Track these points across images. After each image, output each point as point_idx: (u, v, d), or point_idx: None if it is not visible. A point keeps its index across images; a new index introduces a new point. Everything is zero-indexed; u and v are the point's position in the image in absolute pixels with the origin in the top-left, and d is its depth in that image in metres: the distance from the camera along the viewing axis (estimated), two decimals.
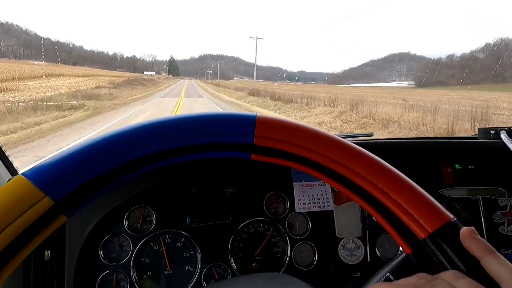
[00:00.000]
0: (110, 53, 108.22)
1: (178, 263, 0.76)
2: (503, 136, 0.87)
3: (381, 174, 0.29)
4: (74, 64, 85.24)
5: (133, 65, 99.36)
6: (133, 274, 0.73)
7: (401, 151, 0.87)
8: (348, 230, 0.81)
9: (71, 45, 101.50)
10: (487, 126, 0.96)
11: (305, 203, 0.80)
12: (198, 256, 0.76)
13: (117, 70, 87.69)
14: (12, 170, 0.81)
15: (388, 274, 0.36)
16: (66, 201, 0.25)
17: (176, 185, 0.78)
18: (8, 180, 0.67)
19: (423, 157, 0.88)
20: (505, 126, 0.93)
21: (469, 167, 0.87)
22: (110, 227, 0.73)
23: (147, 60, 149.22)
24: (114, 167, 0.27)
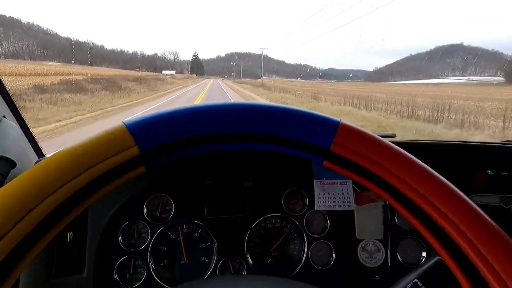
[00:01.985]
0: (132, 51, 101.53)
1: (195, 253, 0.76)
2: None
3: (465, 214, 0.26)
4: (91, 64, 79.13)
5: (153, 64, 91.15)
6: (150, 261, 0.74)
7: (429, 154, 0.80)
8: (369, 231, 0.78)
9: (91, 45, 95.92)
10: None
11: (325, 202, 0.77)
12: (215, 248, 0.76)
13: (136, 70, 79.73)
14: (39, 152, 0.83)
15: (416, 280, 0.34)
16: (149, 154, 0.28)
17: (196, 176, 0.78)
18: (36, 162, 0.74)
19: (453, 161, 0.84)
20: None
21: (503, 173, 0.82)
22: (130, 214, 0.74)
23: (168, 58, 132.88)
24: (196, 135, 0.28)
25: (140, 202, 0.75)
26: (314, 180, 0.77)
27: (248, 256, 0.77)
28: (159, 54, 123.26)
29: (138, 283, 0.73)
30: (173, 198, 0.76)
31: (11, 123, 0.70)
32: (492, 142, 0.94)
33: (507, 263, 0.23)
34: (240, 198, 0.79)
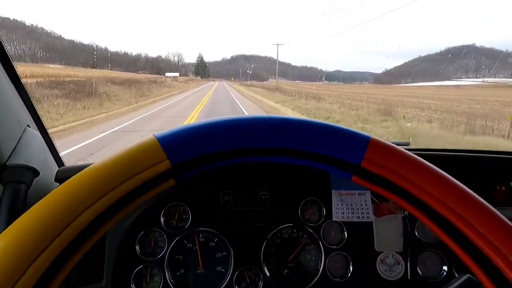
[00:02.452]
0: (136, 54, 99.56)
1: (211, 263, 0.75)
2: None
3: (496, 228, 0.26)
4: (93, 66, 77.16)
5: (157, 66, 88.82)
6: (167, 270, 0.73)
7: (447, 164, 0.78)
8: (388, 244, 0.77)
9: (95, 47, 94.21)
10: None
11: (343, 212, 0.76)
12: (231, 258, 0.76)
13: (139, 72, 77.44)
14: (59, 161, 0.83)
15: None
16: (180, 167, 0.28)
17: (213, 185, 0.78)
18: (57, 171, 0.74)
19: (474, 172, 0.82)
20: None
21: None
22: (147, 223, 0.74)
23: (172, 60, 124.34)
24: (228, 149, 0.28)
25: (157, 211, 0.75)
26: (332, 191, 0.76)
27: (265, 266, 0.76)
28: (163, 56, 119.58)
29: None
30: (190, 207, 0.76)
31: (35, 132, 0.71)
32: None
33: None
34: (257, 208, 0.78)
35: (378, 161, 0.29)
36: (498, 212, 0.26)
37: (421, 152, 0.88)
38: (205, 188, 0.77)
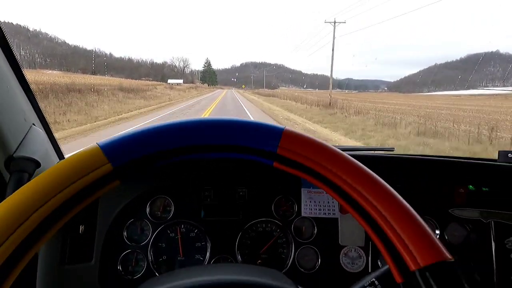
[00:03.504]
0: (141, 60, 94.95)
1: (190, 251, 0.82)
2: None
3: (385, 200, 0.31)
4: (94, 73, 72.85)
5: (161, 72, 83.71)
6: (151, 256, 0.80)
7: (417, 168, 0.90)
8: (351, 239, 0.82)
9: (99, 53, 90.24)
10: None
11: (311, 209, 0.83)
12: (208, 247, 0.82)
13: (142, 79, 72.38)
14: (60, 155, 0.92)
15: (374, 279, 0.38)
16: (122, 169, 0.32)
17: (195, 181, 0.85)
18: (57, 163, 0.84)
19: (438, 175, 0.89)
20: None
21: (484, 189, 0.86)
22: (134, 212, 0.81)
23: (178, 66, 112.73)
24: (161, 150, 0.33)
25: (144, 202, 0.82)
26: (302, 189, 0.84)
27: (239, 256, 0.82)
28: (169, 62, 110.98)
29: (139, 275, 0.81)
30: (174, 200, 0.83)
31: (39, 129, 0.80)
32: (480, 158, 1.00)
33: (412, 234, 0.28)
34: (234, 203, 0.85)
35: (290, 148, 0.34)
36: (384, 184, 0.32)
37: (399, 156, 0.99)
38: (189, 183, 0.84)
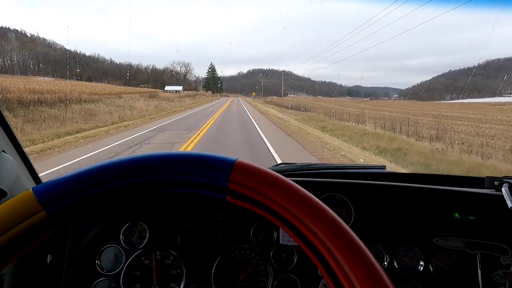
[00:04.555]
0: (141, 66, 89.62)
1: (165, 279, 0.79)
2: (504, 189, 0.82)
3: (333, 235, 0.30)
4: (89, 79, 68.06)
5: (161, 78, 78.25)
6: (123, 285, 0.77)
7: (403, 194, 0.87)
8: None
9: (99, 58, 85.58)
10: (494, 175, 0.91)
11: (289, 237, 0.78)
12: (183, 276, 0.79)
13: (140, 86, 66.88)
14: (37, 179, 0.90)
15: None
16: (58, 215, 0.30)
17: (172, 206, 0.81)
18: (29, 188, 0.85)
19: (423, 202, 0.85)
20: None
21: (470, 217, 0.82)
22: (107, 239, 0.78)
23: (180, 71, 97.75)
24: (99, 191, 0.30)
25: (117, 229, 0.79)
26: None
27: (215, 285, 0.79)
28: (171, 68, 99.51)
29: None
30: (149, 226, 0.80)
31: (9, 156, 0.77)
32: (469, 177, 1.00)
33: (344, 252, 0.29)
34: (212, 229, 0.82)
35: (241, 181, 0.32)
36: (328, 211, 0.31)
37: (394, 175, 1.00)
38: (165, 208, 0.81)
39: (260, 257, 0.81)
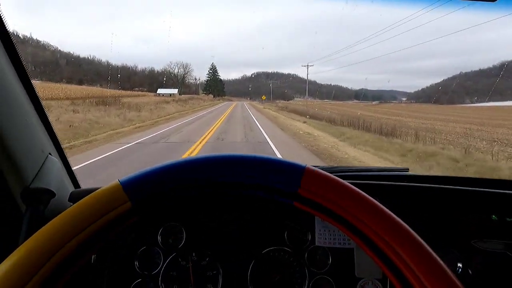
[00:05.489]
0: (137, 68, 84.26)
1: (202, 280, 0.79)
2: None
3: (408, 247, 0.30)
4: (80, 83, 63.25)
5: (157, 80, 72.99)
6: (162, 285, 0.78)
7: (435, 195, 0.87)
8: (368, 270, 0.78)
9: (94, 60, 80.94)
10: None
11: (325, 238, 0.80)
12: (220, 277, 0.79)
13: (134, 89, 61.75)
14: (76, 184, 0.93)
15: None
16: (141, 205, 0.33)
17: (208, 208, 0.83)
18: (71, 192, 0.86)
19: (458, 204, 0.85)
20: None
21: (508, 219, 0.81)
22: (146, 240, 0.80)
23: (177, 73, 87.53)
24: (181, 184, 0.33)
25: (155, 229, 0.80)
26: (315, 217, 0.77)
27: (251, 287, 0.79)
28: (170, 69, 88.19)
29: None
30: (185, 227, 0.81)
31: (55, 159, 0.81)
32: (501, 180, 0.99)
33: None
34: (247, 231, 0.82)
35: (312, 189, 0.33)
36: (412, 232, 0.31)
37: (417, 178, 0.99)
38: (201, 210, 0.82)
39: (294, 258, 0.80)
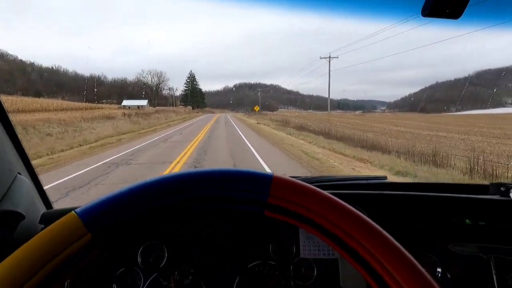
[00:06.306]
0: (106, 78, 76.46)
1: None
2: None
3: (383, 248, 0.30)
4: (38, 94, 56.03)
5: (127, 91, 65.78)
6: None
7: (411, 203, 0.89)
8: (352, 280, 0.77)
9: (61, 70, 73.32)
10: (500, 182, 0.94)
11: (310, 250, 0.79)
12: None
13: (102, 102, 54.98)
14: (48, 204, 0.88)
15: None
16: (102, 237, 0.30)
17: (189, 225, 0.80)
18: (43, 213, 0.79)
19: (433, 210, 0.87)
20: None
21: (480, 223, 0.84)
22: (125, 260, 0.76)
23: (150, 82, 76.11)
24: (144, 208, 0.31)
25: (135, 249, 0.76)
26: (300, 228, 0.78)
27: None
28: (140, 78, 76.14)
29: None
30: (166, 245, 0.78)
31: (25, 179, 0.77)
32: (473, 185, 1.04)
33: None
34: (230, 246, 0.80)
35: (280, 195, 0.33)
36: (377, 227, 0.32)
37: (396, 185, 1.00)
38: (182, 227, 0.79)
39: (279, 271, 0.79)
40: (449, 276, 0.80)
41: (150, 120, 27.85)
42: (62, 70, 73.92)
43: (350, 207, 0.33)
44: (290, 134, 17.74)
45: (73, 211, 0.30)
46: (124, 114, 26.04)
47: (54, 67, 73.27)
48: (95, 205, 0.31)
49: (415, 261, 0.30)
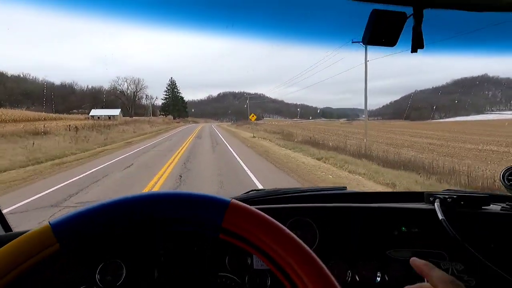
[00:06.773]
0: (83, 86, 71.12)
1: None
2: (436, 204, 0.94)
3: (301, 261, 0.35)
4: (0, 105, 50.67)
5: (101, 100, 61.11)
6: None
7: (359, 214, 0.98)
8: None
9: (28, 79, 67.58)
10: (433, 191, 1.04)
11: (261, 261, 0.86)
12: None
13: (71, 112, 50.17)
14: (6, 227, 0.89)
15: None
16: (69, 247, 0.32)
17: (147, 241, 0.81)
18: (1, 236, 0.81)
19: (375, 220, 0.96)
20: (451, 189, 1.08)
21: (413, 230, 0.94)
22: (83, 279, 0.75)
23: (125, 90, 68.28)
24: (110, 223, 0.33)
25: (93, 268, 0.76)
26: None
27: None
28: (115, 85, 67.49)
29: None
30: (125, 262, 0.78)
31: None
32: (410, 192, 1.16)
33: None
34: (189, 260, 0.82)
35: (235, 222, 0.35)
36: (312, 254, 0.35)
37: (354, 195, 1.13)
38: (140, 244, 0.80)
39: (235, 283, 0.83)
40: (387, 279, 0.89)
41: (110, 134, 20.73)
42: (30, 78, 68.32)
43: (298, 240, 0.36)
44: (319, 159, 10.82)
45: (48, 222, 0.32)
46: (69, 128, 19.54)
47: (22, 75, 67.56)
48: (68, 217, 0.33)
49: (323, 266, 0.34)
